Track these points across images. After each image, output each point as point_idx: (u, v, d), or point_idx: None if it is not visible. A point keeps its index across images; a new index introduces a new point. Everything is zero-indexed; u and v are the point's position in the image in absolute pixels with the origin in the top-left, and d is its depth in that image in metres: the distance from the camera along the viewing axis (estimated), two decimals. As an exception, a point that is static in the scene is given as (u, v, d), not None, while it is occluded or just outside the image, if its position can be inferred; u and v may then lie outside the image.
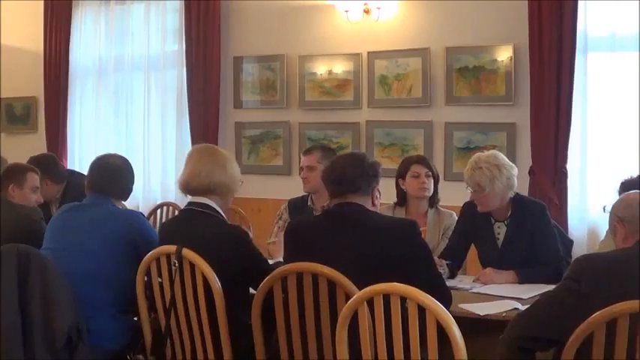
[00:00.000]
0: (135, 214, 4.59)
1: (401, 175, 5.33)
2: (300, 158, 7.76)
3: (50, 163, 6.02)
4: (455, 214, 5.25)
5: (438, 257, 4.70)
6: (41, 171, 5.33)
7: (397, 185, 5.37)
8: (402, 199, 5.36)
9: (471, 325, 3.40)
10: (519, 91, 6.95)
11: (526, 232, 4.66)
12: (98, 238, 4.23)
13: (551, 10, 6.58)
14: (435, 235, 5.25)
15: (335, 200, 3.79)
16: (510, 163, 4.73)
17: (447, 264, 4.69)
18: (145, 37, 8.69)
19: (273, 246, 5.07)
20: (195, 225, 4.04)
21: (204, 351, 3.87)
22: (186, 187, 4.17)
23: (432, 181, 5.29)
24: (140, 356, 4.35)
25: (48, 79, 9.13)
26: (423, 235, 4.85)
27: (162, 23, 8.61)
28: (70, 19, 9.04)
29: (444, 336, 2.87)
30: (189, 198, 4.19)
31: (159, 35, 8.63)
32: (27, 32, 9.41)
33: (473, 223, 4.86)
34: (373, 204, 3.82)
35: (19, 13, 9.53)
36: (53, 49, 9.08)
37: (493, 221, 4.80)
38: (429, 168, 5.30)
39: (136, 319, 4.26)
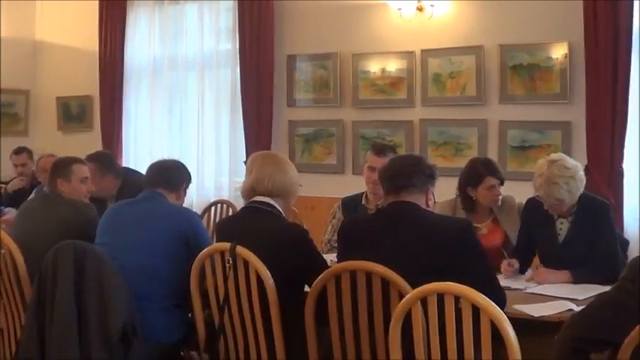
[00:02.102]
0: (189, 212, 4.62)
1: (471, 184, 5.10)
2: (354, 156, 7.82)
3: (108, 158, 6.06)
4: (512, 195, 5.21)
5: (509, 256, 4.80)
6: (103, 166, 5.37)
7: (465, 193, 5.14)
8: (470, 205, 5.14)
9: (525, 325, 3.37)
10: (574, 89, 6.88)
11: (588, 229, 4.58)
12: (151, 234, 4.27)
13: (606, 6, 6.50)
14: (516, 218, 5.10)
15: (389, 198, 3.78)
16: (576, 162, 4.63)
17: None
18: (198, 37, 8.79)
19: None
20: (255, 222, 4.06)
21: (258, 348, 3.88)
22: (251, 193, 4.19)
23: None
24: (194, 352, 4.38)
25: (103, 79, 9.28)
26: (498, 225, 4.96)
27: (215, 22, 8.70)
28: (125, 20, 9.20)
29: (498, 336, 2.86)
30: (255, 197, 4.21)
31: (212, 34, 8.72)
32: (82, 32, 9.56)
33: (535, 218, 4.78)
34: (427, 205, 3.80)
35: (74, 14, 9.70)
36: (108, 49, 9.23)
37: (556, 217, 4.71)
38: (500, 177, 5.10)
39: (190, 315, 4.29)
